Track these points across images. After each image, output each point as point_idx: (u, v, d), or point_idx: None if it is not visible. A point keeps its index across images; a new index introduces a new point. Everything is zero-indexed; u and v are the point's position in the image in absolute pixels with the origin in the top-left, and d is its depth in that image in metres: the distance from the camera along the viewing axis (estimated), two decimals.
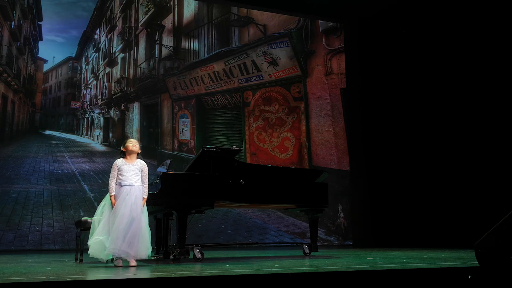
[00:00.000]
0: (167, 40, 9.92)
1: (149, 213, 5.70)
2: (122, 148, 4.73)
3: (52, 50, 9.18)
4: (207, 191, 5.10)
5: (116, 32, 10.28)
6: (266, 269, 3.83)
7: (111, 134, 9.63)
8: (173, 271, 3.77)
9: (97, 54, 10.32)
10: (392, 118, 9.43)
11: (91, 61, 10.18)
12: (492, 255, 3.29)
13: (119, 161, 4.62)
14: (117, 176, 4.55)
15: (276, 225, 9.12)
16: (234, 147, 5.42)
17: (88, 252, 4.44)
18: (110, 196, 4.52)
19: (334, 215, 9.45)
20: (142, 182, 4.63)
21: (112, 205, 4.48)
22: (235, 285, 3.08)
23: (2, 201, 7.78)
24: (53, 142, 8.98)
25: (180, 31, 9.96)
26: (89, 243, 4.46)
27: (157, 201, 4.91)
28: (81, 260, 4.92)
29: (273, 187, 5.64)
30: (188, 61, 9.86)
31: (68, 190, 8.30)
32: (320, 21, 10.14)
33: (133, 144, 4.76)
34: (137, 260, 4.40)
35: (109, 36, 10.32)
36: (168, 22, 10.03)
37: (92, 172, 8.70)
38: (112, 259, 4.45)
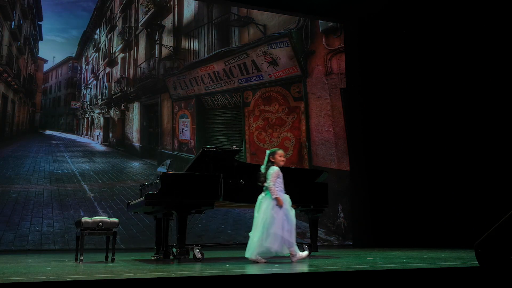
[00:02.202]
0: (167, 40, 9.93)
1: (149, 213, 5.72)
2: (271, 158, 4.92)
3: (52, 50, 9.18)
4: (207, 191, 5.09)
5: (116, 32, 10.28)
6: (266, 269, 3.83)
7: (111, 134, 9.63)
8: (173, 271, 3.77)
9: (97, 54, 10.32)
10: (392, 118, 9.43)
11: (91, 61, 10.19)
12: (492, 255, 3.29)
13: (279, 170, 4.87)
14: (279, 182, 4.83)
15: None
16: (234, 147, 5.42)
17: (260, 254, 4.64)
18: (277, 197, 4.70)
19: (334, 215, 9.45)
20: None
21: (280, 203, 4.69)
22: (235, 285, 3.08)
23: (2, 201, 7.78)
24: (53, 142, 8.98)
25: (180, 31, 9.96)
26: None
27: (157, 201, 4.91)
28: (81, 260, 4.92)
29: None
30: (188, 61, 9.86)
31: (68, 190, 8.30)
32: (320, 21, 10.14)
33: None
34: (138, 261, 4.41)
35: (109, 36, 10.32)
36: (168, 22, 10.03)
37: (92, 172, 8.70)
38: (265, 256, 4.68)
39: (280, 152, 4.96)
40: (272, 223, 4.63)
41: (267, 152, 4.98)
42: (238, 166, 5.41)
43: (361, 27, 10.07)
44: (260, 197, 4.85)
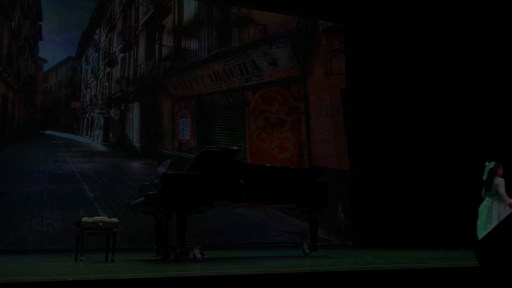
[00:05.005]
0: (167, 40, 9.92)
1: (149, 213, 5.73)
2: (497, 169, 6.18)
3: (52, 50, 9.17)
4: (207, 191, 5.10)
5: (116, 32, 10.27)
6: (266, 269, 3.83)
7: (111, 134, 9.62)
8: (173, 271, 3.77)
9: (97, 54, 10.31)
10: (392, 118, 9.43)
11: (91, 61, 10.18)
12: (492, 255, 3.29)
13: (503, 180, 6.14)
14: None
15: (276, 225, 9.12)
16: (234, 147, 5.43)
17: None
18: (510, 203, 6.02)
19: (334, 215, 9.44)
20: None
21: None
22: (235, 285, 3.08)
23: (2, 201, 7.77)
24: (53, 142, 8.97)
25: (180, 31, 9.95)
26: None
27: (157, 201, 4.91)
28: (81, 260, 4.92)
29: (273, 187, 5.64)
30: (188, 61, 9.86)
31: (68, 190, 8.29)
32: (320, 21, 10.13)
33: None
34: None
35: (109, 36, 10.32)
36: (168, 22, 10.03)
37: (92, 172, 8.69)
38: None
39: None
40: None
41: (487, 165, 6.24)
42: (238, 166, 5.41)
43: (361, 27, 10.06)
44: (487, 202, 6.17)
